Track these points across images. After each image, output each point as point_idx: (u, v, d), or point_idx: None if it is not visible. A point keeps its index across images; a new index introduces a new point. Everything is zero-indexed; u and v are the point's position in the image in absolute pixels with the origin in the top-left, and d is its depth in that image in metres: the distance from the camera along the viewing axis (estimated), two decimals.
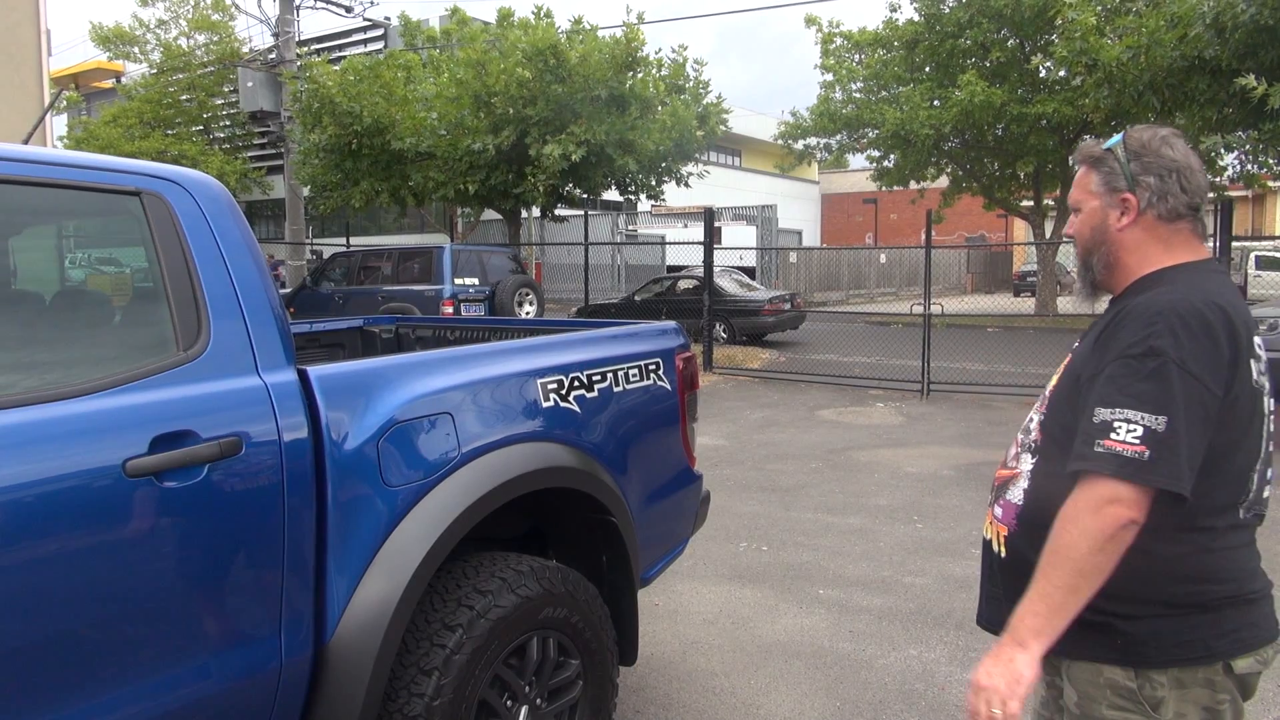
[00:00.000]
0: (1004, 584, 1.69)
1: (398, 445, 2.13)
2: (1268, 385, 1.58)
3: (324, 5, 18.74)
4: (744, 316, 15.57)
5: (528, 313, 12.45)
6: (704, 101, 16.87)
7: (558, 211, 17.45)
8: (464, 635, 2.21)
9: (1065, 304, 19.89)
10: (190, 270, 1.94)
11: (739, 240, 23.03)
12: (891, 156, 21.33)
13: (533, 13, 16.19)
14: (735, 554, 5.06)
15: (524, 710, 2.41)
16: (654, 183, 16.78)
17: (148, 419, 1.76)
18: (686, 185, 17.41)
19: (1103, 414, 1.47)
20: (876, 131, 19.97)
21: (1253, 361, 1.54)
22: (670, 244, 21.51)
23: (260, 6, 38.07)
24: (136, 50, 32.14)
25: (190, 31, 31.63)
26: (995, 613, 1.70)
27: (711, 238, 12.37)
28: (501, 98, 14.12)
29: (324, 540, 2.02)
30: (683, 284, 16.21)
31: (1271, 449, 1.61)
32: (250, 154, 31.72)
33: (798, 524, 5.62)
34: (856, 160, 27.10)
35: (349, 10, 19.30)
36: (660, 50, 16.04)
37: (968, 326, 16.32)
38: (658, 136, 14.87)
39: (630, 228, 26.08)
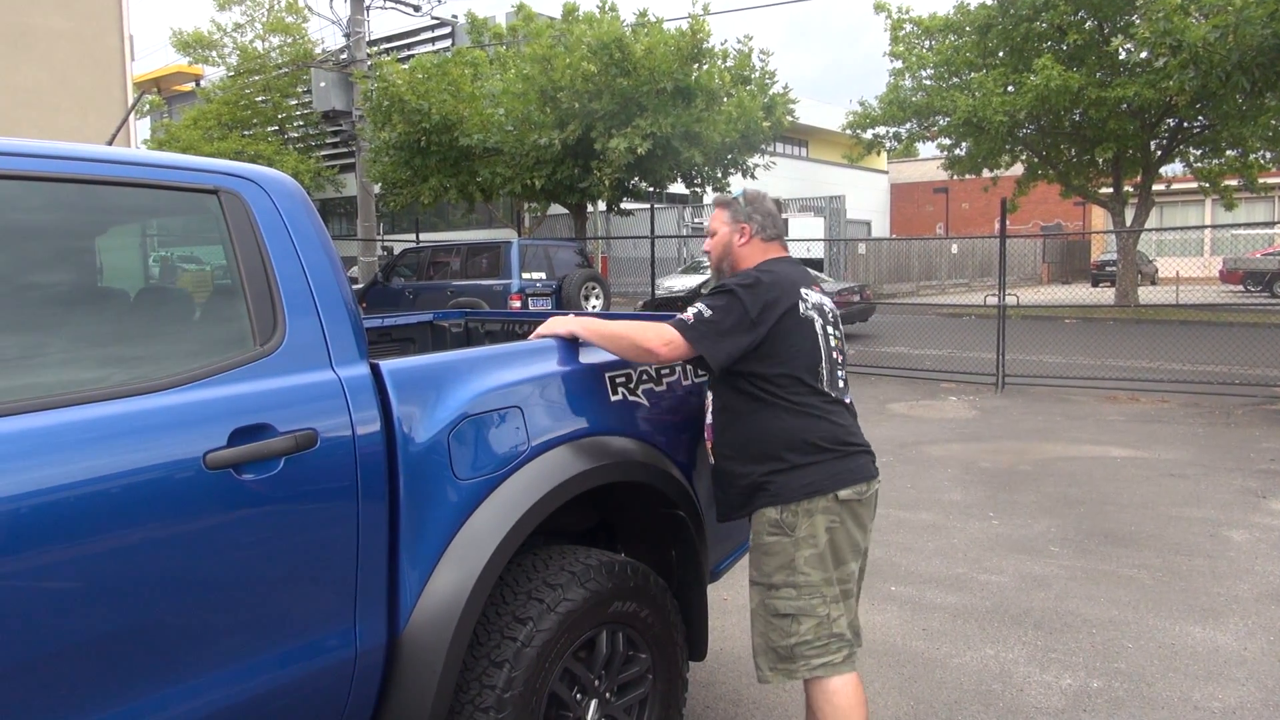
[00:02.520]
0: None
1: (468, 439, 2.14)
2: (816, 317, 2.50)
3: (393, 5, 19.02)
4: None
5: (594, 306, 12.49)
6: (770, 92, 16.71)
7: (623, 205, 17.47)
8: (534, 628, 2.21)
9: (1148, 294, 19.26)
10: (266, 266, 1.97)
11: (806, 231, 22.77)
12: (963, 144, 20.88)
13: (598, 7, 16.19)
14: None
15: (594, 704, 2.41)
16: (720, 175, 16.70)
17: (226, 412, 1.79)
18: (753, 177, 17.28)
19: (679, 314, 2.48)
20: (948, 119, 19.56)
21: (800, 302, 2.47)
22: None
23: (332, 7, 38.77)
24: (215, 54, 33.20)
25: (265, 34, 32.53)
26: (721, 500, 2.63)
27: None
28: (567, 92, 14.17)
29: (396, 532, 2.03)
30: None
31: (837, 356, 2.54)
32: (323, 153, 32.49)
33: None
34: (927, 149, 26.59)
35: (417, 9, 19.56)
36: (725, 41, 15.98)
37: (1044, 318, 15.90)
38: (723, 128, 14.78)
39: (696, 220, 26.00)
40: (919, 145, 22.92)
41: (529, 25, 18.96)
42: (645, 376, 2.60)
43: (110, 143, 2.44)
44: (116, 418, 1.65)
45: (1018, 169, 22.34)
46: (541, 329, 2.53)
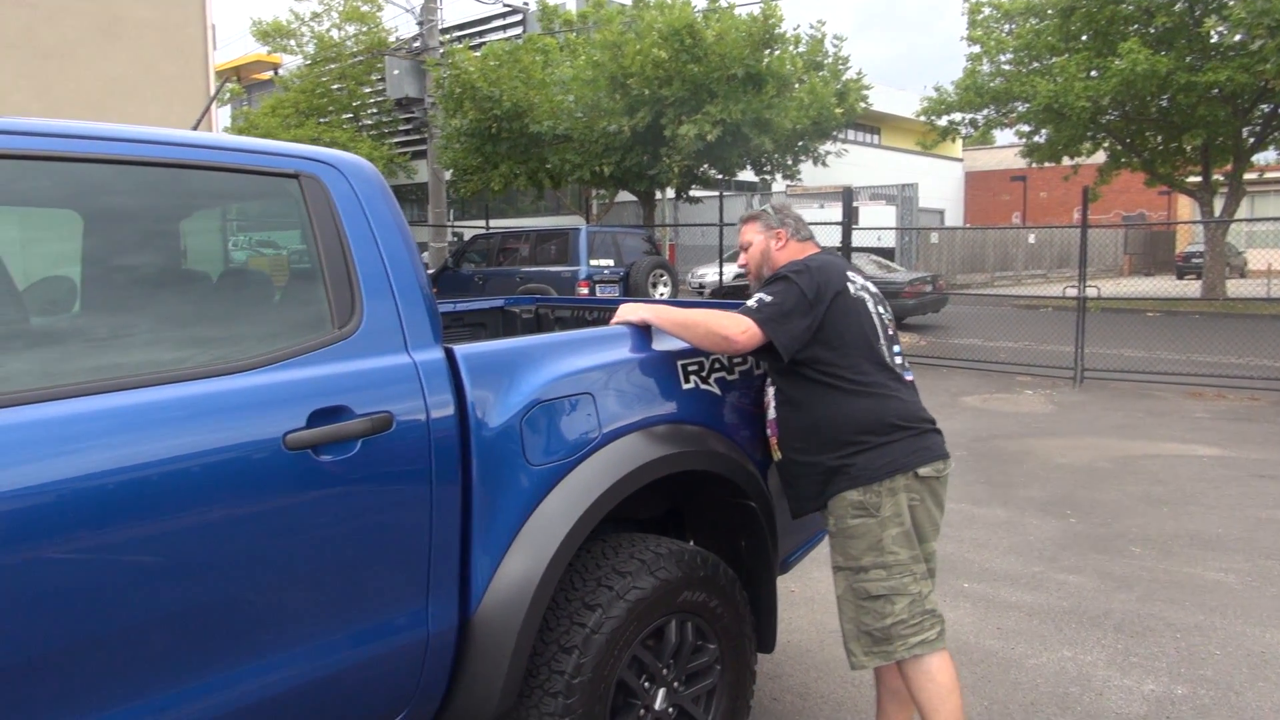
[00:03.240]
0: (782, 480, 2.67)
1: (540, 424, 2.14)
2: (867, 296, 2.59)
3: None
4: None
5: (662, 294, 12.47)
6: (843, 78, 16.44)
7: (692, 192, 17.39)
8: (603, 615, 2.21)
9: (1237, 287, 18.51)
10: (345, 250, 1.99)
11: (877, 220, 22.39)
12: (1043, 131, 20.24)
13: None
14: None
15: (662, 692, 2.40)
16: (790, 162, 16.50)
17: (305, 394, 1.81)
18: (824, 164, 17.05)
19: (743, 304, 2.51)
20: (1027, 105, 18.96)
21: (849, 283, 2.55)
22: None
23: None
24: (293, 43, 33.85)
25: (341, 23, 33.07)
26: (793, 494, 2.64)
27: (850, 218, 12.05)
28: (637, 79, 14.14)
29: (469, 516, 2.04)
30: None
31: (892, 333, 2.61)
32: (396, 140, 32.94)
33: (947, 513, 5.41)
34: (1004, 136, 25.91)
35: None
36: (798, 26, 15.70)
37: (1126, 310, 15.40)
38: (795, 115, 14.60)
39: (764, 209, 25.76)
40: (996, 132, 22.34)
41: (599, 12, 18.95)
42: (718, 365, 2.57)
43: (195, 129, 2.49)
44: (199, 398, 1.68)
45: (1100, 157, 21.59)
46: (616, 316, 2.55)
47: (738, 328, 2.42)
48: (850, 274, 2.60)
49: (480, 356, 2.11)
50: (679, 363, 2.48)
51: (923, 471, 2.48)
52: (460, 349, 2.08)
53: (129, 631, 1.57)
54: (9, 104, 11.28)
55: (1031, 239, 30.44)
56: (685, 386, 2.48)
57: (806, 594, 4.21)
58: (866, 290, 2.61)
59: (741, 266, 2.82)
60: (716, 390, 2.56)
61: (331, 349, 1.90)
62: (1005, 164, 39.62)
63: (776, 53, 14.98)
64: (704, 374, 2.53)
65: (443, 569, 2.01)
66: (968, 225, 37.43)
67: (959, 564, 4.58)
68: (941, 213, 37.50)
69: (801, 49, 15.91)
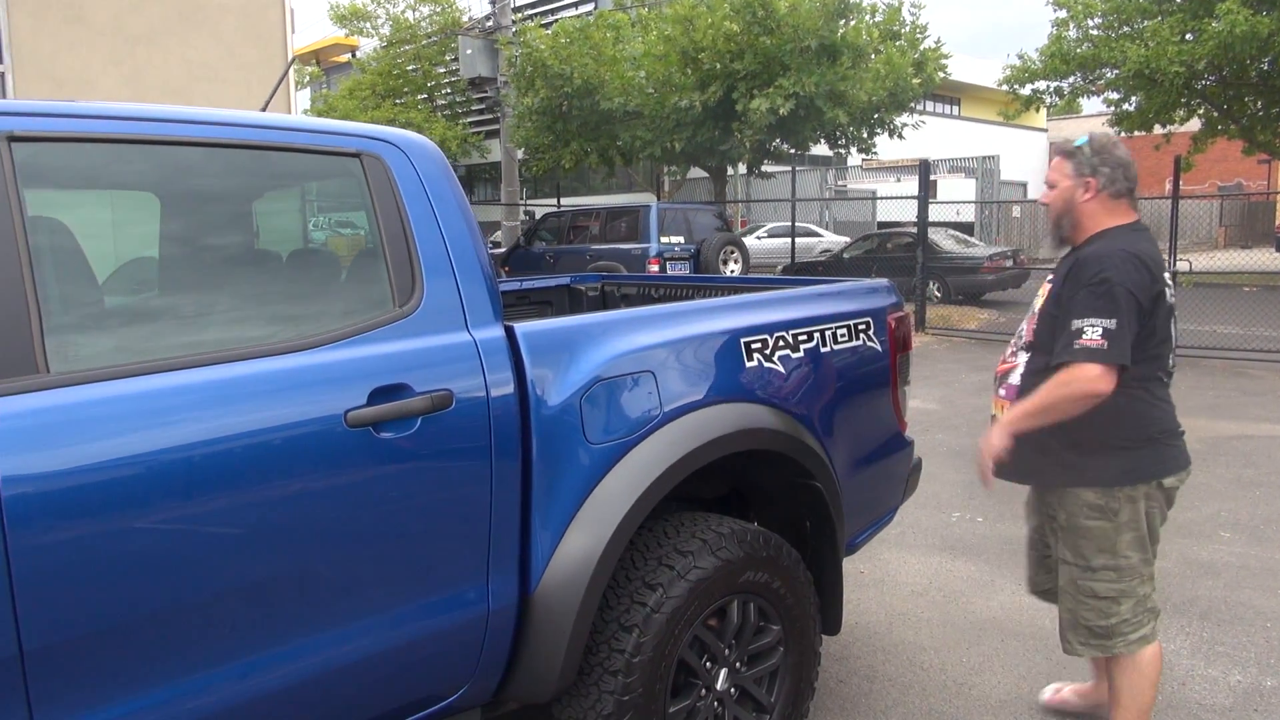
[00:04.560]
0: None
1: (600, 403, 2.13)
2: (1173, 302, 2.44)
3: None
4: (960, 274, 14.79)
5: (733, 270, 12.37)
6: (921, 47, 15.99)
7: (765, 168, 17.17)
8: (664, 594, 2.20)
9: None
10: (406, 229, 2.00)
11: (956, 194, 21.84)
12: (1133, 99, 19.41)
13: None
14: (947, 524, 4.82)
15: (723, 672, 2.38)
16: (866, 135, 16.15)
17: (366, 372, 1.83)
18: (900, 137, 16.65)
19: (1077, 323, 2.30)
20: (1116, 71, 18.20)
21: (1166, 288, 2.38)
22: (881, 199, 20.70)
23: None
24: (369, 25, 34.41)
25: (416, 4, 33.48)
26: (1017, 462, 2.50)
27: (926, 191, 11.76)
28: (709, 53, 13.98)
29: (529, 494, 2.05)
30: (895, 241, 15.58)
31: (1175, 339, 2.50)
32: (470, 120, 33.27)
33: (1016, 495, 5.19)
34: (1090, 105, 24.94)
35: None
36: None
37: (1220, 285, 14.74)
38: (870, 86, 14.27)
39: (840, 183, 25.33)
40: (1083, 101, 21.51)
41: None
42: (781, 343, 2.53)
43: (264, 108, 2.53)
44: (263, 375, 1.71)
45: (1194, 124, 20.64)
46: (986, 464, 2.46)
47: (1092, 389, 2.25)
48: (1165, 275, 2.39)
49: (540, 335, 2.11)
50: (742, 340, 2.44)
51: (1167, 482, 2.45)
52: (520, 327, 2.08)
53: (210, 600, 1.62)
54: (100, 89, 11.70)
55: None
56: (749, 364, 2.44)
57: (876, 575, 4.14)
58: (1169, 285, 2.42)
59: (1043, 203, 2.55)
60: (781, 368, 2.51)
61: (392, 327, 1.92)
62: None
63: (852, 23, 14.64)
64: (768, 352, 2.49)
65: (503, 546, 2.02)
66: None
67: None
68: (1024, 185, 36.35)
69: (878, 19, 15.53)
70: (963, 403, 7.96)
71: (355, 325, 1.87)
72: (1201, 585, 3.94)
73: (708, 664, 2.35)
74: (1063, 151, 2.48)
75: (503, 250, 15.06)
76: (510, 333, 2.07)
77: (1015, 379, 2.62)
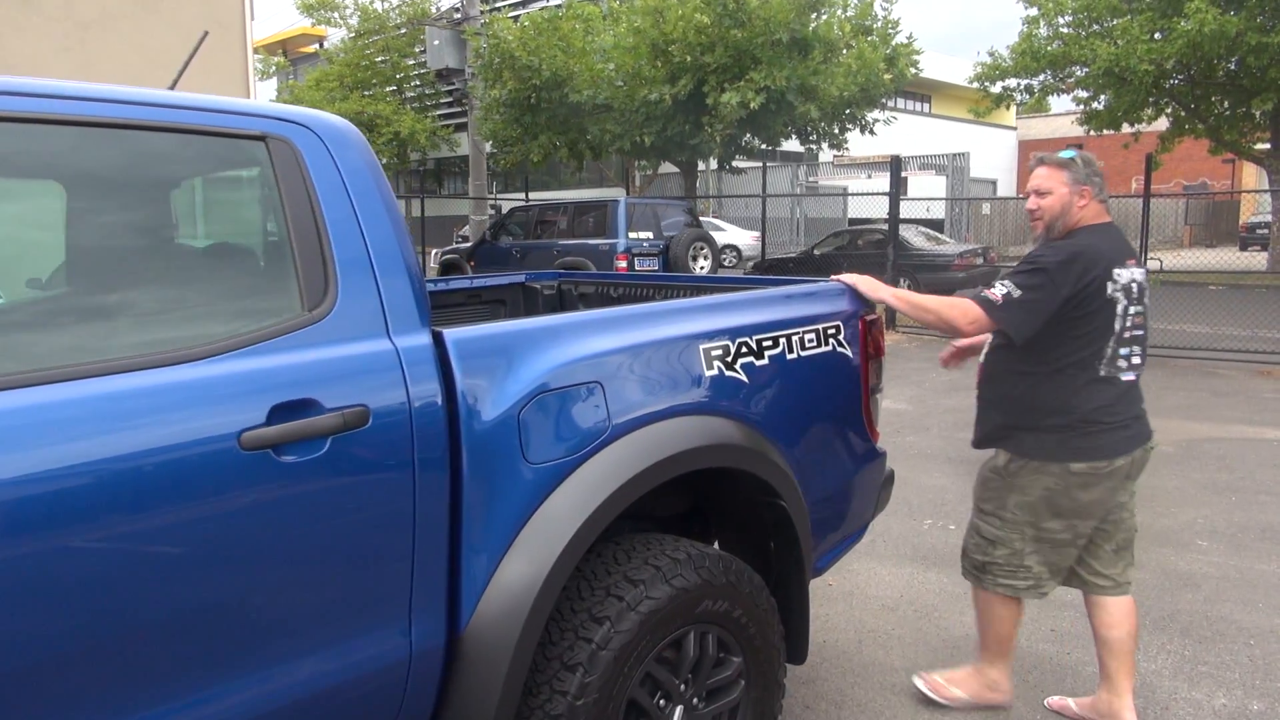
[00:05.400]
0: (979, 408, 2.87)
1: (541, 417, 1.91)
2: (1122, 298, 2.58)
3: None
4: (932, 272, 14.69)
5: (702, 267, 12.17)
6: (893, 42, 15.87)
7: (735, 163, 17.00)
8: (612, 629, 1.99)
9: None
10: (318, 223, 1.77)
11: (927, 191, 21.78)
12: (1102, 97, 19.48)
13: None
14: (919, 532, 4.65)
15: (679, 711, 2.18)
16: (837, 131, 16.01)
17: (266, 386, 1.60)
18: (872, 133, 16.54)
19: (996, 281, 2.63)
20: (1086, 70, 18.25)
21: (1109, 282, 2.56)
22: (853, 195, 20.59)
23: None
24: (336, 15, 33.80)
25: None
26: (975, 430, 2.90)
27: (898, 188, 11.64)
28: (679, 45, 13.76)
29: (459, 521, 1.83)
30: (865, 237, 15.46)
31: (1139, 333, 2.65)
32: (439, 113, 32.80)
33: None
34: (1060, 103, 25.00)
35: None
36: None
37: (1187, 284, 14.76)
38: (842, 81, 14.12)
39: (811, 179, 25.20)
40: (1052, 99, 21.55)
41: None
42: (744, 350, 2.32)
43: (173, 87, 2.28)
44: (135, 392, 1.47)
45: (1162, 123, 20.75)
46: (847, 279, 2.74)
47: (965, 318, 2.59)
48: (1117, 271, 2.59)
49: (473, 342, 1.89)
50: (701, 346, 2.23)
51: (1075, 467, 2.62)
52: (451, 333, 1.86)
53: (73, 652, 1.38)
54: (52, 76, 11.28)
55: None
56: (708, 373, 2.23)
57: (845, 588, 3.96)
58: (1127, 290, 2.61)
59: (1031, 211, 2.73)
60: (744, 377, 2.31)
61: (299, 334, 1.68)
62: (1061, 132, 38.43)
63: (824, 17, 14.49)
64: (729, 359, 2.28)
65: (428, 581, 1.80)
66: (1021, 195, 36.41)
67: None
68: (994, 183, 36.52)
69: (850, 13, 15.38)
70: (934, 403, 7.82)
71: (255, 333, 1.64)
72: (1181, 599, 3.79)
73: (661, 702, 2.14)
74: (1055, 162, 2.69)
75: (468, 245, 14.77)
76: (439, 340, 1.85)
77: (982, 357, 2.89)
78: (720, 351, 2.26)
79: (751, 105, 13.40)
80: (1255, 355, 9.34)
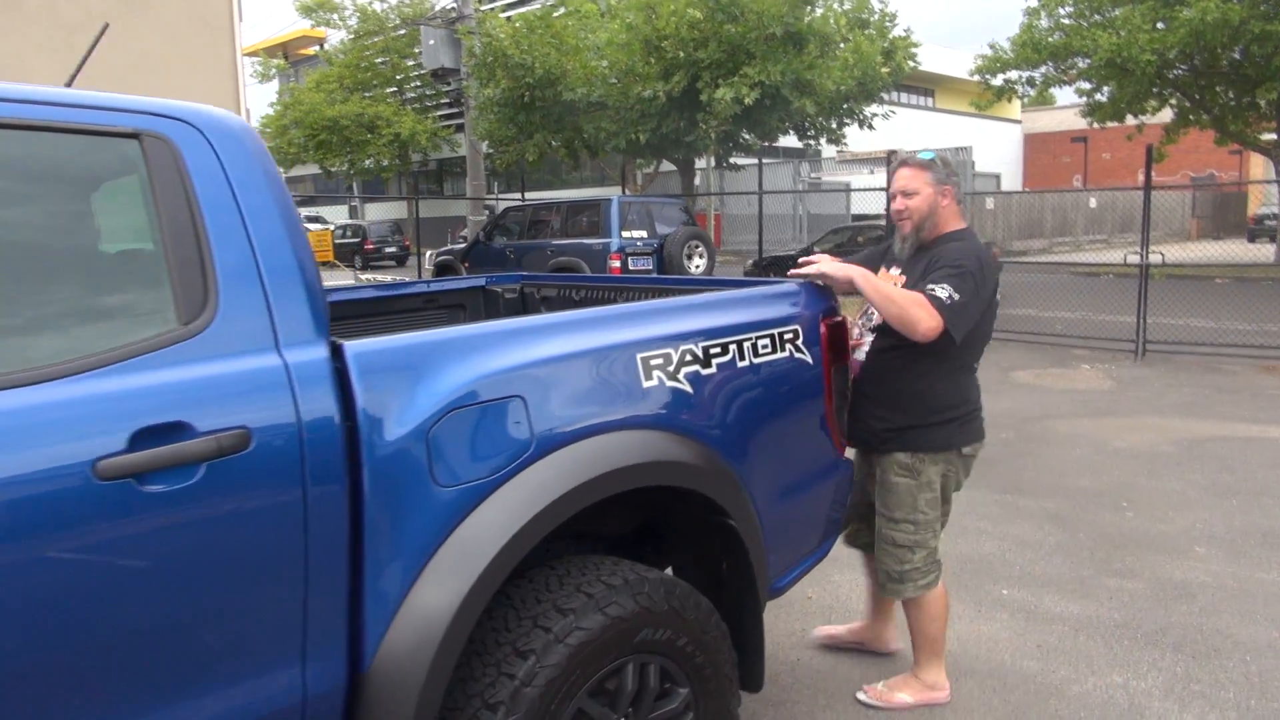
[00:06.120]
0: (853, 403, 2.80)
1: (454, 435, 1.76)
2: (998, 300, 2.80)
3: None
4: None
5: (697, 266, 12.00)
6: (890, 36, 15.66)
7: (734, 160, 16.82)
8: (537, 663, 1.83)
9: None
10: (197, 227, 1.61)
11: None
12: (1105, 88, 19.22)
13: None
14: None
15: None
16: (835, 126, 15.81)
17: (129, 409, 1.45)
18: (870, 127, 16.33)
19: (933, 286, 2.60)
20: (1088, 61, 18.00)
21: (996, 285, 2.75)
22: (855, 191, 20.37)
23: None
24: (336, 17, 33.70)
25: None
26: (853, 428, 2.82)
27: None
28: (672, 41, 13.59)
29: (359, 552, 1.67)
30: (866, 234, 15.26)
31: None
32: (440, 113, 32.67)
33: (979, 507, 4.95)
34: (1065, 96, 24.73)
35: None
36: None
37: (1193, 278, 14.54)
38: (838, 75, 13.93)
39: (813, 175, 24.96)
40: (1056, 91, 21.31)
41: None
42: (688, 358, 2.16)
43: (69, 84, 2.13)
44: None
45: (1166, 115, 20.48)
46: (811, 267, 2.66)
47: (928, 323, 2.54)
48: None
49: (377, 355, 1.73)
50: (639, 355, 2.07)
51: (965, 450, 2.83)
52: (352, 346, 1.70)
53: None
54: (36, 78, 11.16)
55: (1093, 203, 29.20)
56: (646, 384, 2.07)
57: (825, 601, 3.80)
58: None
59: (899, 212, 2.80)
60: (688, 388, 2.14)
61: (172, 350, 1.53)
62: (1066, 125, 38.16)
63: (819, 11, 14.31)
64: (671, 369, 2.12)
65: (324, 616, 1.64)
66: (1025, 189, 36.14)
67: (999, 566, 4.12)
68: (997, 177, 36.23)
69: (846, 6, 15.18)
70: None
71: (119, 350, 1.48)
72: (1175, 611, 3.62)
73: None
74: (917, 164, 2.78)
75: (463, 247, 14.62)
76: (339, 353, 1.69)
77: (861, 355, 2.84)
78: (660, 361, 2.10)
79: (745, 100, 13.22)
80: (1261, 350, 9.13)
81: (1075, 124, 27.16)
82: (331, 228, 28.53)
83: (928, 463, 2.77)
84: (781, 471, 2.44)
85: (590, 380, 1.98)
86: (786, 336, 2.42)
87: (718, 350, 2.23)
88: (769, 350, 2.36)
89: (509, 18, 16.93)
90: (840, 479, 2.68)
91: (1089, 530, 4.55)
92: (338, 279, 17.35)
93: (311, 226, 28.78)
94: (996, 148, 37.01)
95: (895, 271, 2.85)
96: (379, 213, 35.22)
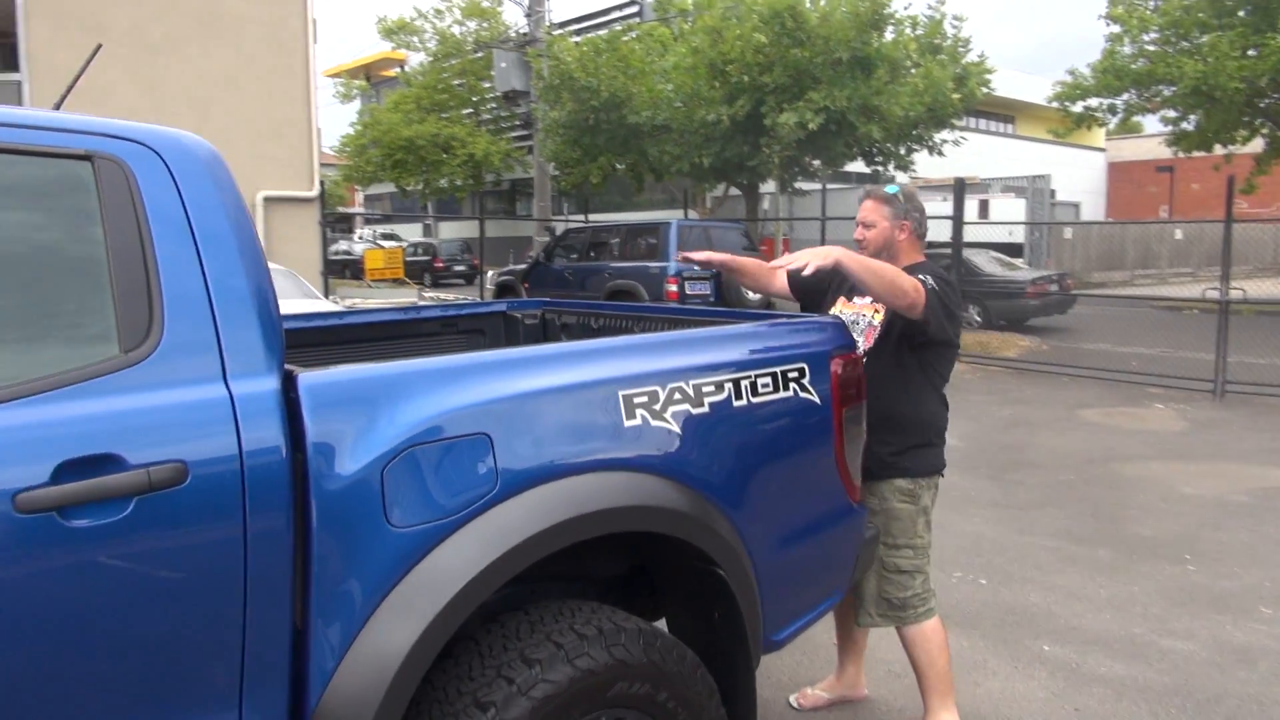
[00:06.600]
0: None
1: (410, 475, 1.67)
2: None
3: None
4: (1002, 299, 14.07)
5: (752, 292, 11.82)
6: (963, 61, 15.32)
7: (798, 185, 16.62)
8: (497, 716, 1.73)
9: None
10: (146, 253, 1.56)
11: (1009, 214, 21.01)
12: (1191, 117, 18.52)
13: None
14: (946, 585, 4.26)
15: None
16: (903, 152, 15.50)
17: (56, 439, 1.40)
18: (940, 154, 15.98)
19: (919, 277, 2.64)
20: (1173, 88, 17.36)
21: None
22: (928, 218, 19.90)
23: None
24: (416, 39, 34.50)
25: (463, 19, 33.48)
26: None
27: (961, 211, 11.16)
28: (737, 65, 13.49)
29: (307, 590, 1.60)
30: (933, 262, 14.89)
31: None
32: (514, 134, 33.12)
33: (1031, 553, 4.70)
34: (1152, 124, 23.90)
35: None
36: (910, 4, 14.62)
37: (1275, 314, 13.82)
38: (907, 101, 13.64)
39: None
40: (1142, 119, 20.58)
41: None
42: (677, 396, 2.04)
43: (58, 106, 2.13)
44: None
45: (1257, 144, 19.63)
46: (794, 256, 2.58)
47: (916, 290, 2.52)
48: None
49: (332, 386, 1.66)
50: (621, 393, 1.96)
51: (943, 474, 2.89)
52: (306, 377, 1.63)
53: None
54: (117, 98, 11.60)
55: (1178, 234, 28.10)
56: (629, 423, 1.96)
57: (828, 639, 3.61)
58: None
59: (859, 241, 2.86)
60: (674, 428, 2.03)
61: (108, 378, 1.47)
62: (1152, 154, 36.91)
63: (890, 35, 14.08)
64: (657, 407, 2.01)
65: (264, 659, 1.57)
66: (1106, 219, 35.04)
67: (1042, 619, 3.88)
68: (1077, 206, 35.22)
69: (918, 31, 14.91)
70: (989, 440, 7.36)
71: (51, 378, 1.44)
72: (1233, 678, 3.34)
73: None
74: (879, 196, 2.86)
75: (524, 267, 14.71)
76: (292, 384, 1.63)
77: None
78: (645, 398, 1.99)
79: (810, 125, 13.04)
80: None
81: (1161, 153, 26.20)
82: (404, 246, 29.05)
83: (924, 487, 2.81)
84: (783, 518, 2.30)
85: (565, 418, 1.88)
86: (790, 375, 2.29)
87: (711, 389, 2.11)
88: (770, 389, 2.23)
89: (577, 41, 17.05)
90: (852, 526, 2.53)
91: (1145, 584, 4.27)
92: (401, 297, 17.61)
93: (385, 244, 29.38)
94: (1078, 176, 36.00)
95: (860, 301, 2.86)
96: (452, 231, 35.80)
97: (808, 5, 13.66)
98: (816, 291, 3.03)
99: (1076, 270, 22.55)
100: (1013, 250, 18.72)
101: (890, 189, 2.88)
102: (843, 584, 2.56)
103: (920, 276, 2.61)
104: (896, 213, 2.82)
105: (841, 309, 2.89)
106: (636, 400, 1.97)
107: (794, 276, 2.96)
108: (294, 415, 1.60)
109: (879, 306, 2.77)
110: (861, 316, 2.83)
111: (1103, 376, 10.22)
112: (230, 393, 1.56)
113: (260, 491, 1.54)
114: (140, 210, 1.57)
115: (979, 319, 13.97)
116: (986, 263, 14.81)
